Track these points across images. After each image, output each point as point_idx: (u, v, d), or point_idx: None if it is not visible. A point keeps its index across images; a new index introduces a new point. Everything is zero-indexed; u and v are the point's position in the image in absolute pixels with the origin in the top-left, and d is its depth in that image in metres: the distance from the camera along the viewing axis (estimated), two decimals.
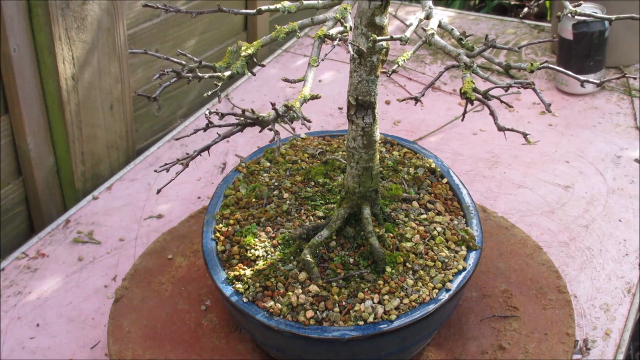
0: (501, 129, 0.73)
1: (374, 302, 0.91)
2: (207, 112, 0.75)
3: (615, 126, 1.50)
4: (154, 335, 1.05)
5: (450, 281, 0.94)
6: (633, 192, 1.33)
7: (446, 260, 0.96)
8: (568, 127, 1.50)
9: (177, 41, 1.63)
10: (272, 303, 0.92)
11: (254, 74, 0.84)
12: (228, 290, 0.94)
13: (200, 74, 0.80)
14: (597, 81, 0.75)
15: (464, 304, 1.07)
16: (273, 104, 0.72)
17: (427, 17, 0.78)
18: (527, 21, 1.93)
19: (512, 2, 2.52)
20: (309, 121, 0.72)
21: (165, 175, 1.42)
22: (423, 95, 0.73)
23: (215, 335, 1.04)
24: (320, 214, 1.02)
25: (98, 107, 1.43)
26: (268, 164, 1.12)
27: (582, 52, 1.55)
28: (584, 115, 1.53)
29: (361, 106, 0.94)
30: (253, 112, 0.73)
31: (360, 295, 0.92)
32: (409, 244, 0.97)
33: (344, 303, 0.91)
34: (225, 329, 1.05)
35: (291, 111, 0.73)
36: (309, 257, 0.94)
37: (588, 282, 1.15)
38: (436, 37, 0.73)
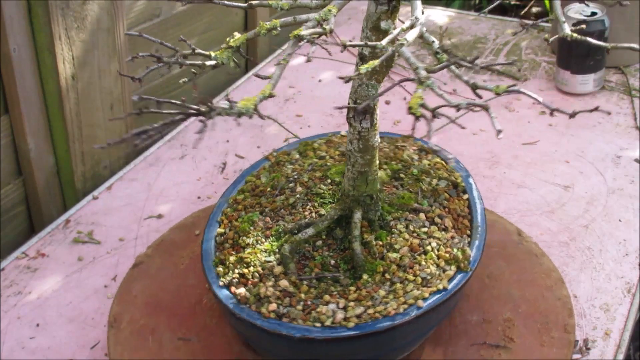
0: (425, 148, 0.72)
1: (338, 307, 0.90)
2: (135, 97, 0.73)
3: (615, 126, 1.50)
4: (157, 304, 1.07)
5: (425, 299, 0.90)
6: (633, 192, 1.32)
7: (429, 277, 0.93)
8: (568, 127, 1.50)
9: (177, 41, 1.63)
10: (242, 291, 0.92)
11: (238, 66, 0.83)
12: (211, 272, 0.95)
13: (181, 61, 0.80)
14: (570, 112, 0.74)
15: (461, 326, 1.04)
16: (227, 98, 0.71)
17: (412, 27, 0.77)
18: (527, 21, 1.93)
19: (512, 2, 2.52)
20: (262, 118, 0.71)
21: (165, 175, 1.42)
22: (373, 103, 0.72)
23: (210, 314, 1.05)
24: (324, 212, 1.02)
25: (98, 107, 1.43)
26: (297, 156, 1.12)
27: (582, 52, 1.55)
28: (584, 116, 1.53)
29: (361, 109, 0.93)
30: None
31: (327, 297, 0.91)
32: (394, 255, 0.95)
33: (309, 302, 0.90)
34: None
35: (235, 106, 0.72)
36: (287, 252, 0.94)
37: (588, 282, 1.15)
38: (404, 48, 0.72)
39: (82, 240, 1.27)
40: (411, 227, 0.99)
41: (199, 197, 1.35)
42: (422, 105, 0.67)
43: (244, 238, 0.99)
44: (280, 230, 0.99)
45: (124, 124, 1.50)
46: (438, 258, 0.95)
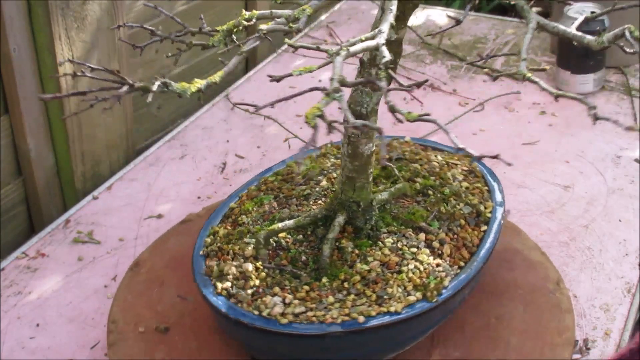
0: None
1: (283, 301, 0.90)
2: (62, 60, 0.75)
3: (616, 126, 1.50)
4: (179, 260, 1.11)
5: (368, 317, 0.88)
6: (633, 192, 1.32)
7: (386, 297, 0.90)
8: (568, 127, 1.50)
9: (178, 42, 1.63)
10: (213, 264, 0.95)
11: (227, 47, 0.84)
12: (201, 241, 1.00)
13: (172, 37, 0.81)
14: (508, 163, 0.70)
15: (435, 358, 0.99)
16: (158, 78, 0.72)
17: (372, 37, 0.77)
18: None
19: (512, 2, 2.52)
20: (199, 98, 0.72)
21: (165, 175, 1.42)
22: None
23: None
24: None
25: (98, 106, 1.43)
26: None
27: (582, 51, 1.54)
28: (584, 115, 1.53)
29: (353, 114, 0.93)
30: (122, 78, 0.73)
31: (277, 289, 0.91)
32: (363, 267, 0.93)
33: (260, 290, 0.91)
34: None
35: (169, 87, 0.75)
36: (261, 238, 0.95)
37: (588, 282, 1.14)
38: (338, 58, 0.71)
39: (82, 240, 1.27)
40: (399, 244, 0.96)
41: (199, 197, 1.35)
42: (320, 117, 0.67)
43: (243, 216, 1.02)
44: (277, 217, 1.00)
45: (124, 125, 1.50)
46: (408, 281, 0.92)
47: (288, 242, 0.97)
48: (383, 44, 0.72)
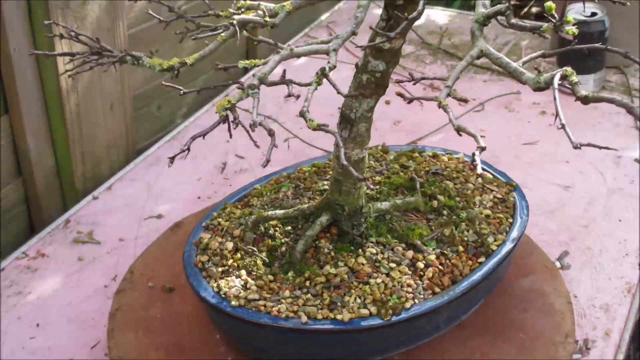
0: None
1: (243, 285, 0.92)
2: (46, 22, 0.79)
3: (615, 126, 1.50)
4: None
5: (313, 319, 0.88)
6: (633, 192, 1.32)
7: (339, 304, 0.89)
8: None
9: (178, 41, 1.63)
10: (206, 236, 0.99)
11: (224, 30, 0.85)
12: (209, 215, 1.05)
13: (185, 17, 0.84)
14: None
15: None
16: (126, 50, 0.76)
17: (328, 42, 0.77)
18: (527, 21, 1.93)
19: (512, 2, 2.52)
20: (176, 76, 0.75)
21: (165, 175, 1.42)
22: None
23: None
24: None
25: (98, 107, 1.43)
26: (391, 157, 1.13)
27: (582, 52, 1.54)
28: (584, 115, 1.53)
29: (344, 118, 0.93)
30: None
31: (242, 273, 0.93)
32: (332, 270, 0.93)
33: (230, 270, 0.94)
34: None
35: (139, 61, 0.80)
36: (249, 222, 0.98)
37: (588, 282, 1.15)
38: (274, 57, 0.72)
39: (82, 240, 1.27)
40: (380, 256, 0.94)
41: (199, 197, 1.35)
42: (229, 109, 0.68)
43: (255, 199, 1.05)
44: (282, 205, 1.02)
45: (124, 125, 1.50)
46: (370, 295, 0.90)
47: (277, 231, 0.98)
48: (334, 50, 0.73)
